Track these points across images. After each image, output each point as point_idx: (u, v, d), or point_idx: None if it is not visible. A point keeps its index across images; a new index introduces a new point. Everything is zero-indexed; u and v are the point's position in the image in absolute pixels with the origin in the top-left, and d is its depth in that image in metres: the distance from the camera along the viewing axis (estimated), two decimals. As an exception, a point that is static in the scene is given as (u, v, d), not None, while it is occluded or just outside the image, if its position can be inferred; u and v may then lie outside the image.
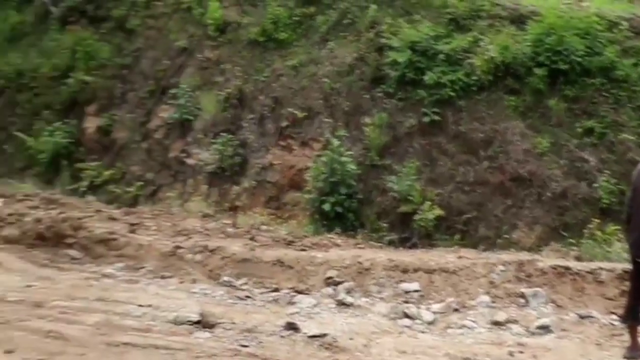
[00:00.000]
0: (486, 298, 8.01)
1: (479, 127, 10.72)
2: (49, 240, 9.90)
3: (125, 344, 6.40)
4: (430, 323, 7.55)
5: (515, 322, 7.58)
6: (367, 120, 11.35)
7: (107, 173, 13.43)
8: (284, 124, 12.15)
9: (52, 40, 15.66)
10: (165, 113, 13.53)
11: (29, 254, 9.59)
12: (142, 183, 13.06)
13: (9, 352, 6.12)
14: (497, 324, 7.52)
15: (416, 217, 10.17)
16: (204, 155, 12.61)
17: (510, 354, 6.70)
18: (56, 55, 15.24)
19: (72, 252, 9.71)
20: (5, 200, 11.61)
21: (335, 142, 10.70)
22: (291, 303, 7.95)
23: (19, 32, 16.46)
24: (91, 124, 14.36)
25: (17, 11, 16.78)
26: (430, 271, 8.43)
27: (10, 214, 10.45)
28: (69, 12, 15.96)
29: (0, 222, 10.31)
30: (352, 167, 10.67)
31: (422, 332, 7.34)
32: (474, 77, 10.91)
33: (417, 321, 7.54)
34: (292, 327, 6.91)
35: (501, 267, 8.40)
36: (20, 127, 14.78)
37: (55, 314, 7.20)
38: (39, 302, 7.54)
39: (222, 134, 12.50)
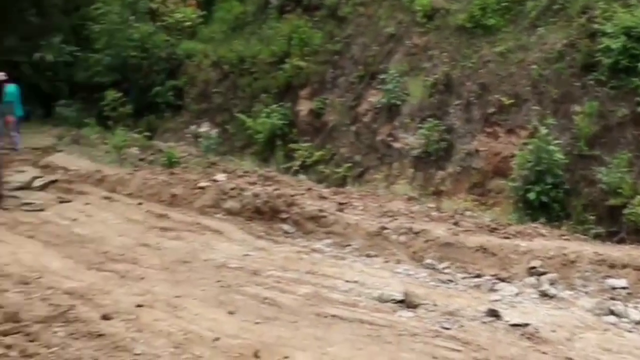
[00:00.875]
0: (702, 302, 7.56)
1: (701, 119, 10.05)
2: (265, 214, 10.44)
3: (333, 316, 6.72)
4: (638, 323, 7.20)
5: None
6: (577, 108, 11.01)
7: (317, 154, 14.11)
8: (491, 110, 12.10)
9: (271, 28, 16.64)
10: (374, 97, 13.94)
11: (247, 226, 10.19)
12: (350, 164, 13.57)
13: (231, 313, 6.77)
14: None
15: (626, 211, 9.73)
16: (410, 140, 12.87)
17: None
18: (274, 42, 16.15)
19: (285, 227, 10.17)
20: (228, 176, 12.51)
21: (543, 130, 10.47)
22: (493, 290, 7.86)
23: (242, 21, 17.68)
24: (304, 107, 15.14)
25: (240, 2, 18.03)
26: (639, 268, 8.10)
27: (232, 189, 11.10)
28: (286, 1, 16.88)
29: (224, 195, 11.00)
30: (559, 156, 10.40)
31: (629, 331, 6.94)
32: (696, 65, 10.19)
33: (624, 319, 7.20)
34: (493, 313, 6.90)
35: None
36: (241, 109, 15.91)
37: (270, 283, 7.70)
38: (256, 270, 8.11)
39: (428, 119, 12.68)
